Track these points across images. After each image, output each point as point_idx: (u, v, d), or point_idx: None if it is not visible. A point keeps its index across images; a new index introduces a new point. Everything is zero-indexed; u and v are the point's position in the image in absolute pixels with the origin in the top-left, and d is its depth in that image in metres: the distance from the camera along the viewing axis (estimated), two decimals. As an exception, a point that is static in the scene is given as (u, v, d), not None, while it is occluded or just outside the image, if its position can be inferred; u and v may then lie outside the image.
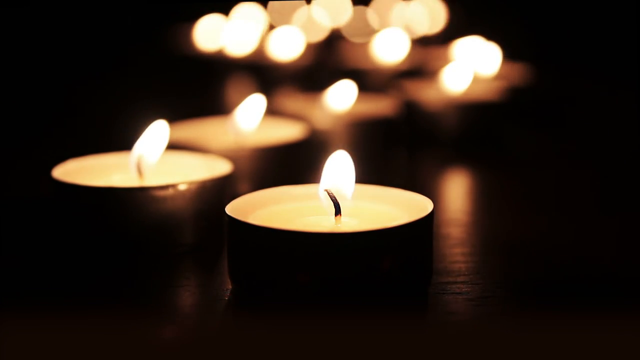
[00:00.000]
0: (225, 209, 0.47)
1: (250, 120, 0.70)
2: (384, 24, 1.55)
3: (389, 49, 1.24)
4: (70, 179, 0.54)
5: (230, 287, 0.47)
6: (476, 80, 0.95)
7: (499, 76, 1.01)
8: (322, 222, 0.48)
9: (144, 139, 0.57)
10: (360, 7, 1.64)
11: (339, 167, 0.49)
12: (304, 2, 1.62)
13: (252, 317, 0.44)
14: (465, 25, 1.29)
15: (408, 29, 1.51)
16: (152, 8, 1.64)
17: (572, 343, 0.40)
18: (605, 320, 0.43)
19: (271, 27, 1.53)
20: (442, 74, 0.91)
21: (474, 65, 0.99)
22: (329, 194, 0.48)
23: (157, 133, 0.58)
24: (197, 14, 1.53)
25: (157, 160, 0.58)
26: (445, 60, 1.15)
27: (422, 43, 1.42)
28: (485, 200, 0.70)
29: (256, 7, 1.58)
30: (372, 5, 1.65)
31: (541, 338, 0.41)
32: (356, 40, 1.48)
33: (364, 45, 1.32)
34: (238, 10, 1.56)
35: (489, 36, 1.16)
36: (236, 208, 0.48)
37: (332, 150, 0.51)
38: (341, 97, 0.82)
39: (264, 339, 0.41)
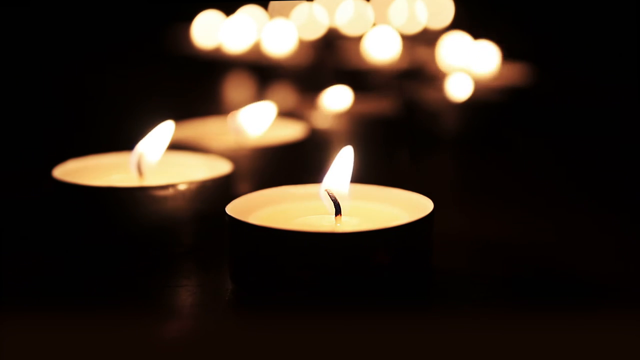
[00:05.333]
0: (225, 209, 0.47)
1: (257, 125, 0.70)
2: (381, 19, 1.55)
3: (383, 47, 1.24)
4: (70, 179, 0.54)
5: (230, 287, 0.47)
6: (476, 84, 0.95)
7: (498, 76, 1.02)
8: (322, 222, 0.48)
9: (147, 138, 0.57)
10: (360, 3, 1.63)
11: (342, 164, 0.49)
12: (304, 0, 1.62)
13: (252, 317, 0.44)
14: (468, 23, 1.29)
15: (408, 25, 1.52)
16: (151, 7, 1.64)
17: (572, 343, 0.40)
18: (604, 320, 0.43)
19: None
20: (445, 81, 0.91)
21: (474, 71, 0.99)
22: (329, 193, 0.48)
23: (162, 133, 0.58)
24: (196, 12, 1.53)
25: (158, 159, 0.58)
26: (444, 63, 1.15)
27: (423, 40, 1.42)
28: (485, 200, 0.70)
29: (257, 8, 1.58)
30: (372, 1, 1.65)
31: (541, 338, 0.41)
32: (354, 36, 1.48)
33: (362, 43, 1.32)
34: (240, 11, 1.56)
35: (488, 36, 1.16)
36: (236, 208, 0.48)
37: (333, 149, 0.51)
38: (338, 98, 0.82)
39: (264, 339, 0.41)
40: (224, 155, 0.61)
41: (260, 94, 1.14)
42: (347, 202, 0.49)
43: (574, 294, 0.47)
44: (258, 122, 0.70)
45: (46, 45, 1.49)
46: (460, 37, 1.19)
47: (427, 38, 1.46)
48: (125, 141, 0.59)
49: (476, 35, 1.19)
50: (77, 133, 0.95)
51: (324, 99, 0.82)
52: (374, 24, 1.54)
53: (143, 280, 0.49)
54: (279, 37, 1.33)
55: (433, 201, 0.48)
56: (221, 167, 0.57)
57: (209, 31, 1.49)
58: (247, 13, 1.54)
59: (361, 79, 1.13)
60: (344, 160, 0.50)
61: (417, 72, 1.09)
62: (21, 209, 0.63)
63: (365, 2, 1.63)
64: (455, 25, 1.53)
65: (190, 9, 1.55)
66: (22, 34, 1.45)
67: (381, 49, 1.24)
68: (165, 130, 0.58)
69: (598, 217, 0.62)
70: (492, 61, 1.04)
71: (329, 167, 0.50)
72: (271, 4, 1.62)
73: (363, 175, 0.60)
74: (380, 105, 0.84)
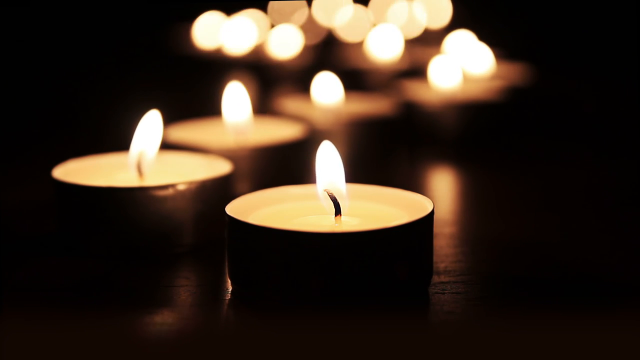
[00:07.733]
0: (225, 209, 0.47)
1: (241, 113, 0.70)
2: (381, 21, 1.55)
3: (384, 47, 1.24)
4: (70, 179, 0.54)
5: (230, 287, 0.47)
6: (469, 78, 0.95)
7: (497, 76, 1.01)
8: (322, 222, 0.48)
9: (140, 134, 0.57)
10: (359, 5, 1.63)
11: (329, 162, 0.49)
12: (304, 2, 1.62)
13: (252, 317, 0.44)
14: (468, 23, 1.29)
15: (408, 26, 1.51)
16: (151, 7, 1.64)
17: (570, 342, 0.40)
18: (603, 320, 0.43)
19: (272, 26, 1.53)
20: (430, 70, 0.91)
21: (462, 60, 0.99)
22: (328, 194, 0.48)
23: (151, 126, 0.58)
24: (196, 13, 1.53)
25: (155, 154, 0.58)
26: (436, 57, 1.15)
27: (423, 40, 1.42)
28: (485, 200, 0.70)
29: (256, 11, 1.58)
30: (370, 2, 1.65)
31: (540, 338, 0.41)
32: (353, 39, 1.48)
33: (361, 45, 1.32)
34: (239, 13, 1.56)
35: (488, 35, 1.16)
36: (236, 208, 0.48)
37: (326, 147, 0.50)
38: (338, 98, 0.82)
39: (264, 339, 0.41)
40: (223, 155, 0.61)
41: (260, 95, 1.14)
42: (346, 202, 0.49)
43: (573, 294, 0.47)
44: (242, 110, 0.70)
45: (46, 45, 1.48)
46: (462, 37, 1.19)
47: (427, 38, 1.46)
48: (123, 141, 0.59)
49: (476, 34, 1.19)
50: (77, 133, 0.95)
51: (323, 99, 0.82)
52: (374, 25, 1.54)
53: (143, 280, 0.49)
54: (281, 40, 1.33)
55: (432, 201, 0.48)
56: (221, 167, 0.57)
57: (210, 32, 1.49)
58: (247, 14, 1.54)
59: (361, 79, 1.13)
60: (329, 157, 0.49)
61: (417, 72, 1.09)
62: (21, 209, 0.63)
63: (364, 6, 1.63)
64: (454, 25, 1.53)
65: (191, 9, 1.55)
66: (22, 34, 1.45)
67: (381, 49, 1.24)
68: (154, 122, 0.58)
69: (600, 217, 0.62)
70: (489, 61, 1.04)
71: (318, 166, 0.49)
72: (270, 4, 1.62)
73: (362, 175, 0.60)
74: (380, 105, 0.84)
